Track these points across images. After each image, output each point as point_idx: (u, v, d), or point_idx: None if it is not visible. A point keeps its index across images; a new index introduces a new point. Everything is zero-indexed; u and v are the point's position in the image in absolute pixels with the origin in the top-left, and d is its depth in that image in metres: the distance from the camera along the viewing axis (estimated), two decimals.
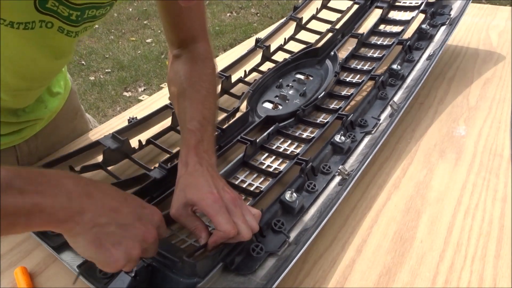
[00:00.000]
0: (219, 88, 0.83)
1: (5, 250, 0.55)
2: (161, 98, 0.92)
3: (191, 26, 0.66)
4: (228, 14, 3.68)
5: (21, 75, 0.58)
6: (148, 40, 3.26)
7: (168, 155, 0.68)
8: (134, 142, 0.71)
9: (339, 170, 0.63)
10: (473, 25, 1.04)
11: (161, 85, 2.60)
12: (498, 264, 0.54)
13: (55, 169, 0.40)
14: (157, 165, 0.64)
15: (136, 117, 0.75)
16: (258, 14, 3.67)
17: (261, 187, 0.63)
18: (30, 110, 0.68)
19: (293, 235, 0.55)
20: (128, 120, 0.75)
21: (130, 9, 3.81)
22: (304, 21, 1.03)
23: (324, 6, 1.09)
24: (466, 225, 0.60)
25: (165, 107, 0.76)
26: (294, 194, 0.57)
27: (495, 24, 1.23)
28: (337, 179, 0.64)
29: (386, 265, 0.54)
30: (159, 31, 3.32)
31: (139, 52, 3.08)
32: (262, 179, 0.66)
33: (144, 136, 0.73)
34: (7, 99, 0.60)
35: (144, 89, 2.61)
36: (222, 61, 1.01)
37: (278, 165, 0.69)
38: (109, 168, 0.66)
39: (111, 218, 0.39)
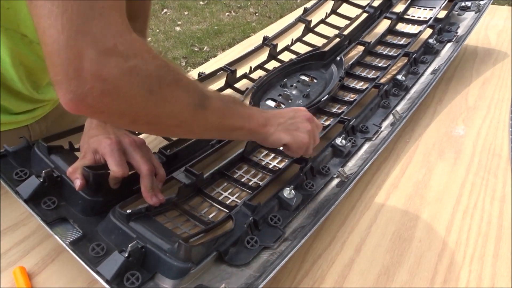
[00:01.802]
0: (223, 81, 0.85)
1: (3, 249, 0.55)
2: None
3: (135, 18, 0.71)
4: (226, 14, 3.68)
5: None
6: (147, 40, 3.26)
7: (168, 142, 0.68)
8: None
9: (338, 172, 0.63)
10: None
11: None
12: (496, 264, 0.54)
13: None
14: (157, 150, 0.64)
15: None
16: (257, 14, 3.67)
17: (259, 183, 0.64)
18: (42, 91, 0.72)
19: (288, 231, 0.55)
20: None
21: None
22: (312, 24, 1.04)
23: (334, 11, 1.10)
24: (464, 224, 0.60)
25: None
26: (293, 192, 0.58)
27: (494, 24, 1.23)
28: (335, 181, 0.64)
29: (385, 264, 0.54)
30: (158, 30, 3.31)
31: None
32: (260, 175, 0.67)
33: None
34: (33, 58, 0.62)
35: None
36: (226, 57, 1.02)
37: (276, 163, 0.69)
38: None
39: (283, 119, 0.57)
